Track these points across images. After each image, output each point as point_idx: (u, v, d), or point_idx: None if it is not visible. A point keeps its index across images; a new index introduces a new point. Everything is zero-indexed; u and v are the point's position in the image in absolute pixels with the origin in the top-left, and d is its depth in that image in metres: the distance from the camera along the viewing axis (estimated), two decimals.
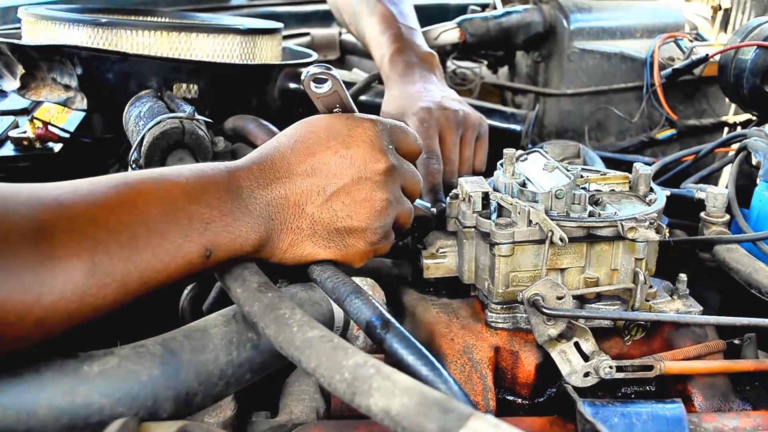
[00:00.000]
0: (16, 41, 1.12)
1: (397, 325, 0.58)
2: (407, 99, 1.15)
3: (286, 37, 1.64)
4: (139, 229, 0.57)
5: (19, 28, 1.27)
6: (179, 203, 0.61)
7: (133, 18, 1.47)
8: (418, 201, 0.87)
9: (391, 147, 0.75)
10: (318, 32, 1.95)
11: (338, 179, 0.70)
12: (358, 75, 1.71)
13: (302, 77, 0.70)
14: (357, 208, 0.71)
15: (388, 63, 1.23)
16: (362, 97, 1.40)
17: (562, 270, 0.82)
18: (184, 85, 1.16)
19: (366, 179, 0.71)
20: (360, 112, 0.76)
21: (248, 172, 0.67)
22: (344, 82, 1.48)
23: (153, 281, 0.58)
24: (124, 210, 0.58)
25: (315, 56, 1.42)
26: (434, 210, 0.93)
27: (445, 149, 1.10)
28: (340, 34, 1.94)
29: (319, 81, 0.70)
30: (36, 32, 1.20)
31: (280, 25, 1.34)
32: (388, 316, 0.60)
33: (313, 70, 0.69)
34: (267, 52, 1.29)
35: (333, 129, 0.72)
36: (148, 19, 1.49)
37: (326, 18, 1.97)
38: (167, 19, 1.51)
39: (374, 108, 1.32)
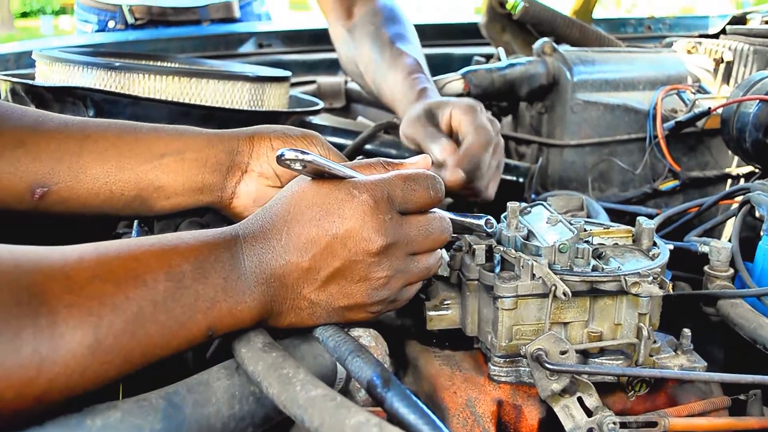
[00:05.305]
0: (30, 81, 1.14)
1: (398, 383, 0.58)
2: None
3: (292, 85, 1.67)
4: (145, 305, 0.58)
5: (33, 72, 1.29)
6: (186, 281, 0.61)
7: (145, 62, 1.49)
8: (468, 219, 0.83)
9: (391, 217, 0.70)
10: (324, 80, 1.97)
11: (331, 262, 0.68)
12: (363, 123, 1.73)
13: (276, 157, 0.67)
14: (353, 288, 0.70)
15: (415, 100, 1.24)
16: (368, 146, 1.41)
17: (566, 324, 0.82)
18: None
19: (360, 261, 0.68)
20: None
21: (250, 249, 0.67)
22: (349, 131, 1.50)
23: (155, 356, 0.59)
24: (132, 286, 0.58)
25: (321, 104, 1.44)
26: (486, 227, 0.83)
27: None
28: (346, 82, 1.96)
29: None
30: (50, 74, 1.22)
31: (288, 73, 1.36)
32: (389, 373, 0.60)
33: (285, 154, 0.66)
34: (275, 99, 1.30)
35: (325, 206, 0.68)
36: (160, 64, 1.51)
37: (332, 67, 2.01)
38: (179, 65, 1.54)
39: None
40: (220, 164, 0.89)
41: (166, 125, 0.90)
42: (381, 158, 0.79)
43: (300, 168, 0.68)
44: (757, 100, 1.24)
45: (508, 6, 1.89)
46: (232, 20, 2.42)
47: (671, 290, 0.80)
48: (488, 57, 1.88)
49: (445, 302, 0.89)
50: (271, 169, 0.91)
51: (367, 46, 1.41)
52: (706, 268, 1.00)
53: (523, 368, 0.81)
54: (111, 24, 2.35)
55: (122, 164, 0.84)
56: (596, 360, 0.81)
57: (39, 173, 0.81)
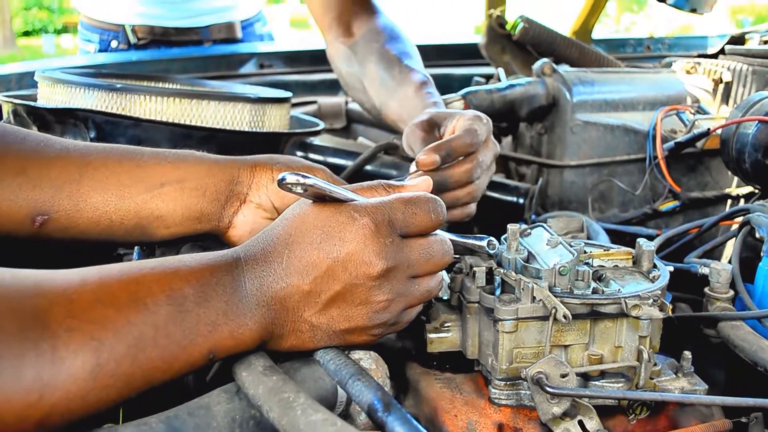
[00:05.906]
0: (32, 103, 1.14)
1: (399, 407, 0.58)
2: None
3: (293, 105, 1.67)
4: (146, 329, 0.58)
5: (35, 92, 1.30)
6: (188, 304, 0.61)
7: (146, 84, 1.50)
8: (470, 240, 0.84)
9: (392, 240, 0.70)
10: (325, 101, 1.98)
11: (332, 285, 0.68)
12: (363, 144, 1.73)
13: (277, 181, 0.68)
14: (354, 311, 0.70)
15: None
16: (368, 167, 1.42)
17: (566, 347, 0.81)
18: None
19: (360, 284, 0.69)
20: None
21: (251, 272, 0.67)
22: (349, 151, 1.51)
23: (156, 380, 0.59)
24: (134, 310, 0.58)
25: (322, 125, 1.45)
26: (488, 248, 0.84)
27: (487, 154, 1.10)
28: (347, 102, 1.97)
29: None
30: (52, 95, 1.23)
31: (288, 94, 1.37)
32: (390, 397, 0.60)
33: (287, 178, 0.67)
34: (276, 120, 1.31)
35: (326, 229, 0.68)
36: (161, 85, 1.52)
37: (333, 87, 2.02)
38: (179, 86, 1.55)
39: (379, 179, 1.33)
40: (219, 193, 0.88)
41: (167, 150, 0.90)
42: (382, 181, 0.79)
43: (301, 191, 0.68)
44: (756, 121, 1.24)
45: (508, 26, 1.91)
46: (234, 41, 2.43)
47: (671, 312, 0.80)
48: (488, 77, 1.90)
49: (446, 325, 0.89)
50: (270, 202, 0.91)
51: (373, 63, 1.41)
52: (706, 289, 0.99)
53: (523, 391, 0.81)
54: (114, 44, 2.37)
55: (122, 193, 0.84)
56: (597, 383, 0.81)
57: (39, 201, 0.81)
